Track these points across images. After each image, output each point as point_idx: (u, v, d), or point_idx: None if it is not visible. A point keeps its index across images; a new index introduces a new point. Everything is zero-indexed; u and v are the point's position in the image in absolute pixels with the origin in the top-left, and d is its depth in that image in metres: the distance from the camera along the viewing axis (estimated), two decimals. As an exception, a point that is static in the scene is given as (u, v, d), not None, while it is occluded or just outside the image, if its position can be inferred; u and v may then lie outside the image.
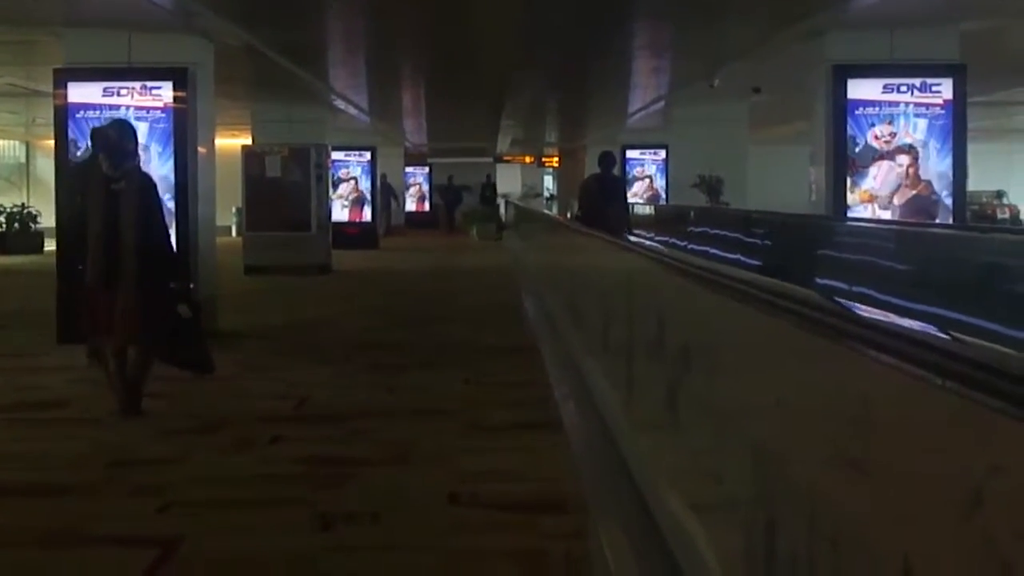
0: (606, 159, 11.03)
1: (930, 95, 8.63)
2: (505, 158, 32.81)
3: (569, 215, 18.28)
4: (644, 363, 3.70)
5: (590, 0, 8.81)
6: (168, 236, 6.01)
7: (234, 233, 20.72)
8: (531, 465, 4.67)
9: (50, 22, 8.83)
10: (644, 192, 19.39)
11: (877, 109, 8.63)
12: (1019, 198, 26.76)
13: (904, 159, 8.63)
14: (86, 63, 8.46)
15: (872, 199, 8.67)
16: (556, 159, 33.57)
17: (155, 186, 5.93)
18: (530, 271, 12.21)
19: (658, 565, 2.72)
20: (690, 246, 10.75)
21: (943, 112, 8.63)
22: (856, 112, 8.64)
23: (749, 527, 2.08)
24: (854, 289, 5.86)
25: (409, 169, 30.16)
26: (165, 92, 8.37)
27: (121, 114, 8.15)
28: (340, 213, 19.48)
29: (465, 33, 10.38)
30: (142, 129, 7.78)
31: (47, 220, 16.33)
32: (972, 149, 9.12)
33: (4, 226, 19.42)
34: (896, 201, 8.66)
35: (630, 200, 13.77)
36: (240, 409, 5.96)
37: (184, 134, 8.38)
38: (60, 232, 8.37)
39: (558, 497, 4.11)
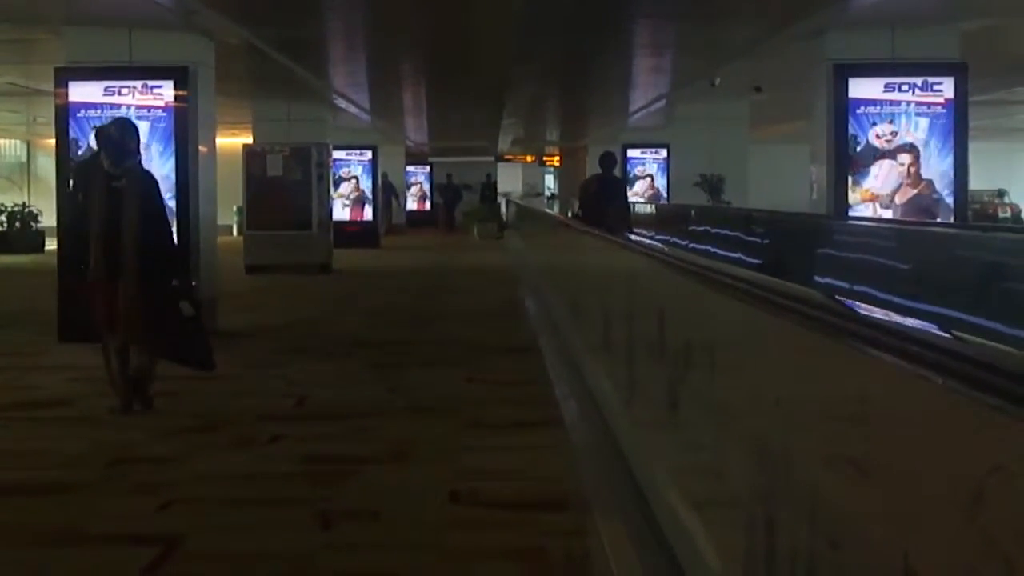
0: (607, 159, 11.06)
1: (931, 94, 8.62)
2: (506, 157, 32.82)
3: (570, 214, 18.27)
4: (645, 361, 3.69)
5: (591, -1, 8.82)
6: (170, 234, 6.04)
7: (235, 232, 20.71)
8: (532, 463, 4.67)
9: (51, 21, 8.83)
10: (645, 191, 19.39)
11: (878, 108, 8.63)
12: (1020, 197, 26.75)
13: (905, 158, 8.63)
14: (87, 62, 8.46)
15: (873, 198, 8.67)
16: (557, 158, 33.58)
17: (157, 184, 5.95)
18: (531, 270, 12.21)
19: (658, 563, 2.72)
20: (691, 245, 10.75)
21: (944, 111, 8.63)
22: (857, 111, 8.64)
23: (749, 525, 2.08)
24: (854, 288, 5.86)
25: (410, 168, 30.17)
26: (166, 91, 8.37)
27: (122, 113, 8.15)
28: (341, 212, 19.48)
29: (466, 31, 10.37)
30: (143, 128, 7.78)
31: (48, 219, 16.34)
32: (973, 148, 9.11)
33: (5, 225, 19.42)
34: (897, 200, 8.65)
35: (631, 199, 13.78)
36: (240, 407, 5.96)
37: (185, 133, 8.38)
38: (60, 231, 8.38)
39: (559, 495, 4.11)
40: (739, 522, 2.14)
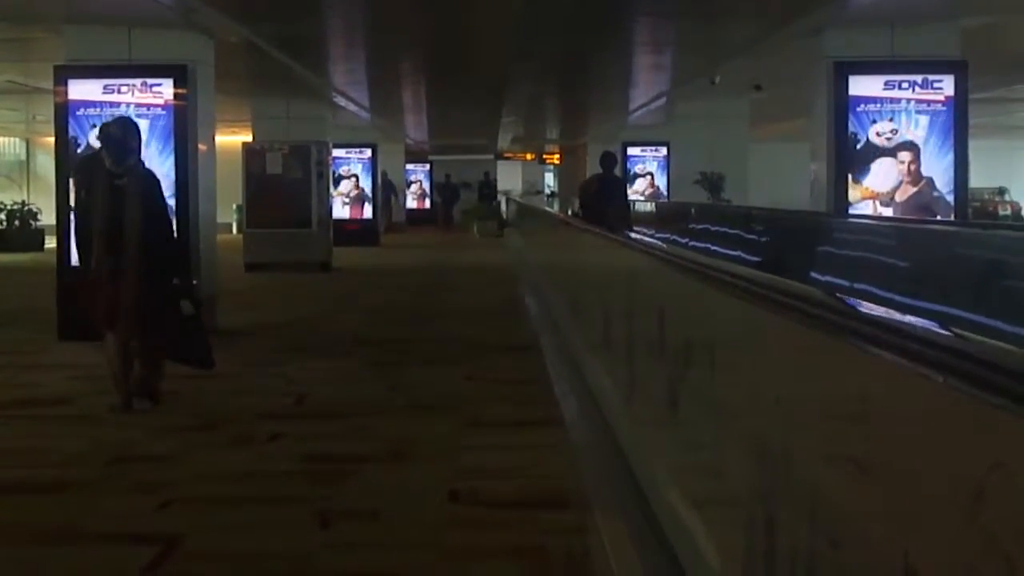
0: (607, 159, 11.08)
1: (931, 92, 8.61)
2: (506, 155, 32.80)
3: (570, 212, 18.26)
4: (645, 360, 3.69)
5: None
6: (172, 232, 6.06)
7: (235, 230, 20.71)
8: (532, 462, 4.66)
9: (50, 19, 8.82)
10: (645, 189, 19.37)
11: (878, 106, 8.62)
12: (1021, 195, 26.75)
13: (905, 156, 8.62)
14: (86, 60, 8.45)
15: (874, 196, 8.66)
16: (557, 156, 33.56)
17: (159, 183, 5.98)
18: (531, 268, 12.21)
19: (659, 561, 2.71)
20: (691, 243, 10.74)
21: (944, 109, 8.62)
22: (857, 109, 8.63)
23: (749, 523, 2.07)
24: (854, 286, 5.85)
25: (410, 166, 30.17)
26: (165, 89, 8.36)
27: (122, 111, 8.16)
28: (341, 210, 19.47)
29: (466, 29, 10.36)
30: (142, 126, 7.78)
31: (47, 217, 16.33)
32: (973, 146, 9.11)
33: (4, 223, 19.41)
34: (897, 198, 8.64)
35: (631, 197, 13.78)
36: (240, 406, 5.96)
37: (184, 131, 8.37)
38: (60, 229, 8.37)
39: (559, 494, 4.10)
40: (739, 521, 2.13)
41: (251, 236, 15.16)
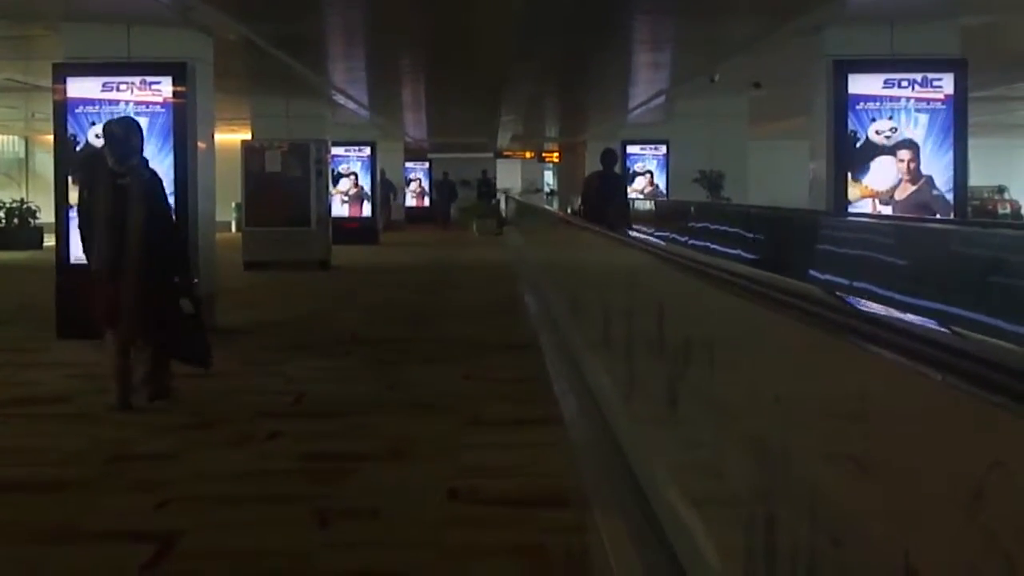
0: (607, 157, 11.08)
1: (931, 90, 8.61)
2: (505, 153, 32.79)
3: (569, 211, 18.24)
4: (644, 358, 3.69)
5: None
6: (174, 231, 6.07)
7: (234, 229, 20.70)
8: (531, 460, 4.66)
9: (49, 17, 8.82)
10: (644, 187, 19.36)
11: (878, 104, 8.61)
12: (1020, 193, 26.75)
13: (905, 154, 8.62)
14: (85, 58, 8.45)
15: (873, 194, 8.65)
16: (556, 154, 33.55)
17: (161, 183, 6.01)
18: (530, 266, 12.21)
19: (658, 560, 2.71)
20: (690, 241, 10.74)
21: (944, 107, 8.61)
22: (857, 107, 8.62)
23: (749, 522, 2.07)
24: (853, 284, 5.85)
25: (409, 164, 30.15)
26: (164, 87, 8.36)
27: (120, 109, 8.16)
28: (340, 208, 19.46)
29: (465, 28, 10.36)
30: (141, 124, 7.78)
31: (46, 215, 16.32)
32: (973, 144, 9.10)
33: (3, 221, 19.40)
34: (897, 196, 8.64)
35: (631, 196, 13.78)
36: (239, 404, 5.95)
37: (184, 129, 8.36)
38: (58, 227, 8.37)
39: (558, 492, 4.10)
40: (739, 519, 2.13)
41: (250, 234, 15.15)
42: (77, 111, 8.34)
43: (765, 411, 1.95)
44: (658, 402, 3.24)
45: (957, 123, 8.63)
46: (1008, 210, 25.41)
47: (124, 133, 5.75)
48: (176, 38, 8.59)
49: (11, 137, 25.76)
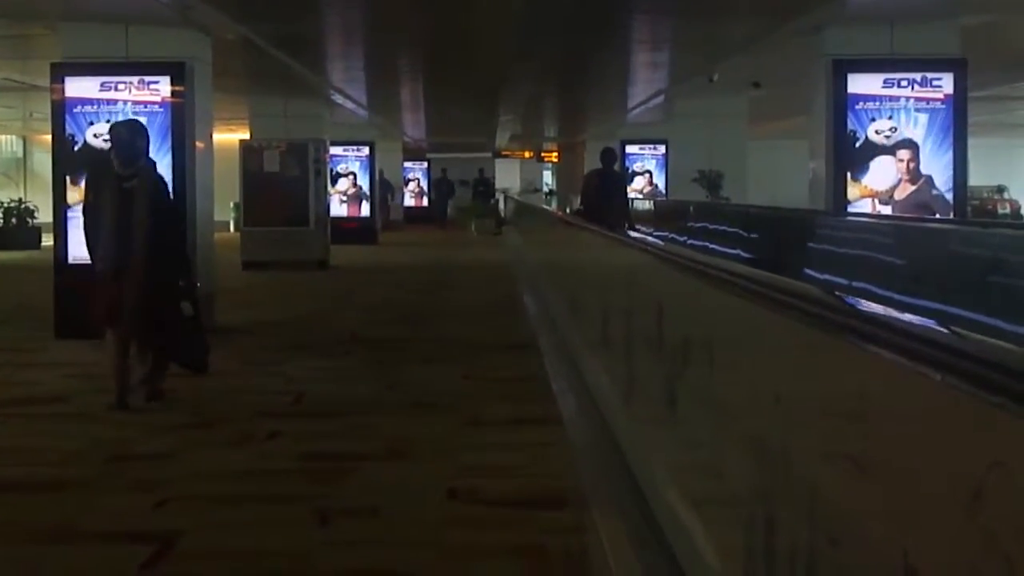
0: (607, 155, 11.08)
1: (931, 90, 8.61)
2: (504, 153, 32.78)
3: (568, 210, 18.24)
4: (643, 358, 3.68)
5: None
6: (178, 234, 6.07)
7: (232, 228, 20.69)
8: (530, 460, 4.66)
9: (48, 16, 8.81)
10: (643, 187, 19.35)
11: (877, 104, 8.61)
12: (1020, 193, 26.75)
13: (904, 154, 8.61)
14: (83, 57, 8.44)
15: (872, 194, 8.65)
16: (555, 154, 33.54)
17: (167, 185, 6.03)
18: (529, 266, 12.20)
19: (657, 560, 2.71)
20: (689, 241, 10.74)
21: (944, 107, 8.61)
22: (856, 107, 8.62)
23: (749, 522, 2.07)
24: (852, 284, 5.85)
25: (408, 164, 30.13)
26: (163, 87, 8.35)
27: (119, 108, 8.16)
28: (338, 208, 19.45)
29: (464, 26, 10.35)
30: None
31: (44, 215, 16.32)
32: (972, 144, 9.10)
33: (1, 221, 19.39)
34: (896, 196, 8.64)
35: (630, 196, 13.76)
36: (238, 404, 5.95)
37: (182, 129, 8.36)
38: (56, 226, 8.36)
39: (557, 492, 4.10)
40: (738, 520, 2.13)
41: (248, 234, 15.15)
42: (75, 111, 8.33)
43: (764, 411, 1.95)
44: (657, 402, 3.24)
45: (957, 123, 8.63)
46: (1008, 210, 25.40)
47: (130, 136, 5.77)
48: (174, 38, 8.58)
49: (9, 137, 25.74)
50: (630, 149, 19.53)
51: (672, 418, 3.04)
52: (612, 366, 4.47)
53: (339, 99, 15.88)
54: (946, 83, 8.61)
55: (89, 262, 5.92)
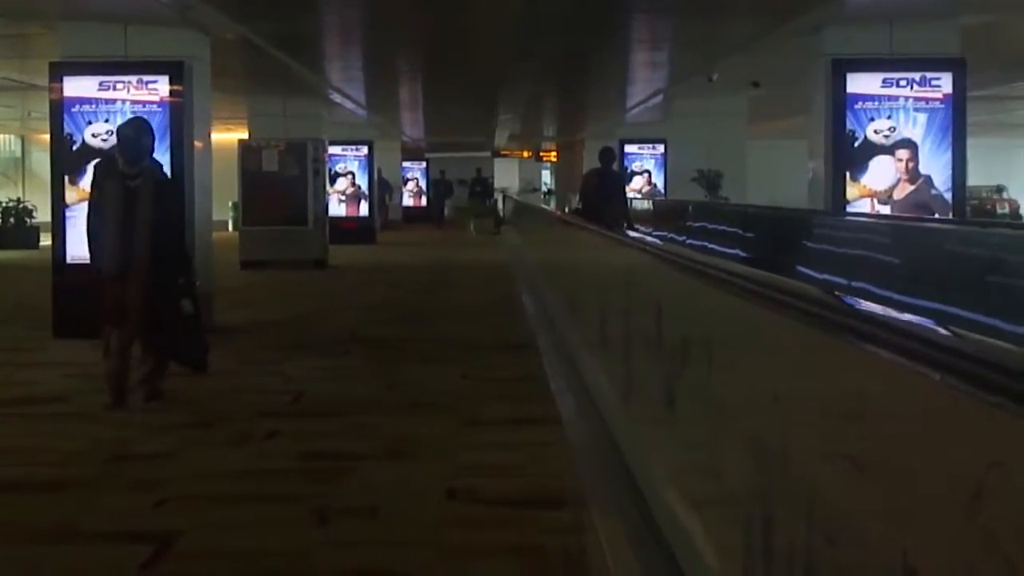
0: (606, 154, 11.08)
1: (930, 89, 8.61)
2: (503, 152, 32.78)
3: (567, 210, 18.24)
4: (642, 358, 3.68)
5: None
6: (182, 234, 6.07)
7: (230, 228, 20.68)
8: (529, 460, 4.66)
9: (46, 16, 8.81)
10: (643, 187, 19.35)
11: (876, 103, 8.61)
12: (1019, 193, 26.76)
13: (903, 154, 8.62)
14: (82, 57, 8.44)
15: (871, 194, 8.66)
16: (554, 153, 33.54)
17: (172, 185, 6.03)
18: (528, 266, 12.20)
19: (656, 560, 2.71)
20: (688, 241, 10.75)
21: (943, 106, 8.61)
22: (855, 106, 8.62)
23: (747, 522, 2.07)
24: (851, 284, 5.85)
25: (406, 164, 30.12)
26: (161, 86, 8.35)
27: (117, 108, 8.16)
28: (337, 208, 19.45)
29: (463, 26, 10.35)
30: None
31: (43, 215, 16.31)
32: (972, 144, 9.10)
33: (0, 221, 19.38)
34: (895, 196, 8.64)
35: (629, 195, 13.76)
36: (237, 404, 5.95)
37: (180, 128, 8.36)
38: (55, 226, 8.36)
39: (556, 492, 4.10)
40: (737, 519, 2.13)
41: (247, 234, 15.14)
42: (73, 110, 8.33)
43: (763, 411, 1.95)
44: (656, 402, 3.24)
45: (956, 122, 8.63)
46: (1007, 210, 25.41)
47: (135, 135, 5.76)
48: (173, 37, 8.58)
49: (7, 136, 25.72)
50: (629, 148, 19.52)
51: (671, 418, 3.04)
52: (611, 366, 4.47)
53: (338, 99, 15.88)
54: (945, 83, 8.61)
55: (88, 262, 5.92)
